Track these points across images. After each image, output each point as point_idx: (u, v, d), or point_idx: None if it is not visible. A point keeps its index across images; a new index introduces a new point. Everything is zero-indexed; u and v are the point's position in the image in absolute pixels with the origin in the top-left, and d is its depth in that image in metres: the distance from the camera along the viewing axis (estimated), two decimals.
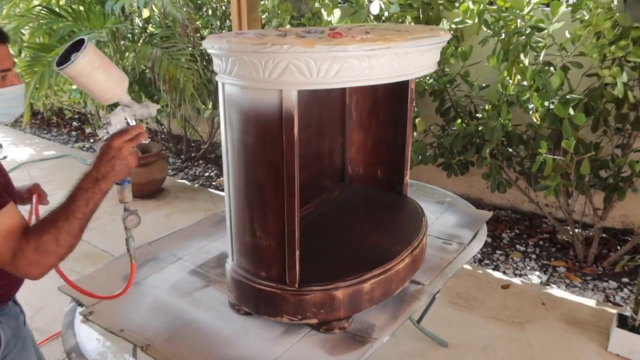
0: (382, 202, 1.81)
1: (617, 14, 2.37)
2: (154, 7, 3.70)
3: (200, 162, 4.93)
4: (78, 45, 1.06)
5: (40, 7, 3.62)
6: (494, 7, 2.79)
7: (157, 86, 4.32)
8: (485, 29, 2.82)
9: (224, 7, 4.22)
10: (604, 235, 3.22)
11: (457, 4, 3.28)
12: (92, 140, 5.69)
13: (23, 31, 3.95)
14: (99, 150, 1.13)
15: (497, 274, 2.90)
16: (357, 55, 1.12)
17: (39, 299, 2.63)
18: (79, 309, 1.43)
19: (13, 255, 1.06)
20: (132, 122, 1.16)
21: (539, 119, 2.61)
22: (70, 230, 1.10)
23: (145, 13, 3.98)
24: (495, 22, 2.77)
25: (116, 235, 3.43)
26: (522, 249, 3.20)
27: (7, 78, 1.16)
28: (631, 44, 2.34)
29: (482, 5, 2.79)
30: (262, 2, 3.55)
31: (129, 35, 3.92)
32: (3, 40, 1.13)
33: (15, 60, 4.37)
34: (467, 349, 2.28)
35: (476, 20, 2.83)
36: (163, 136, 5.21)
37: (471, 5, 2.89)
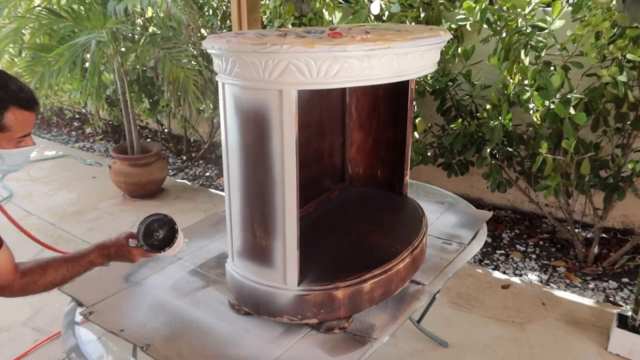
0: (382, 202, 1.81)
1: (616, 14, 2.37)
2: (157, 9, 3.71)
3: (200, 162, 4.94)
4: (161, 224, 1.37)
5: (40, 8, 3.62)
6: (496, 6, 2.79)
7: (157, 86, 4.33)
8: (486, 26, 2.82)
9: (224, 7, 4.22)
10: (604, 235, 3.22)
11: (457, 4, 3.28)
12: (92, 140, 5.69)
13: (24, 31, 3.95)
14: (121, 249, 1.36)
15: (497, 274, 2.90)
16: (357, 55, 1.12)
17: (39, 299, 2.62)
18: (79, 309, 1.43)
19: None
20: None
21: (539, 118, 2.61)
22: (61, 284, 1.32)
23: (149, 13, 3.98)
24: (497, 21, 2.77)
25: None
26: (522, 249, 3.20)
27: (24, 141, 1.21)
28: (630, 43, 2.34)
29: (483, 4, 2.79)
30: (262, 3, 3.55)
31: (130, 36, 3.92)
32: (34, 108, 1.19)
33: (16, 60, 4.39)
34: (467, 349, 2.28)
35: (478, 17, 2.82)
36: (163, 136, 5.22)
37: (473, 3, 2.88)
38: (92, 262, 1.34)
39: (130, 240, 1.38)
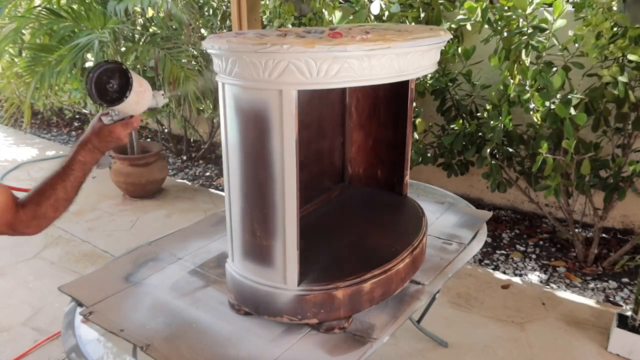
0: (382, 202, 1.81)
1: (617, 14, 2.37)
2: (158, 9, 3.71)
3: (200, 162, 4.94)
4: (111, 73, 1.19)
5: (40, 8, 3.62)
6: (497, 5, 2.78)
7: (157, 86, 4.32)
8: (487, 26, 2.82)
9: (224, 7, 4.22)
10: (604, 235, 3.22)
11: (457, 4, 3.28)
12: None
13: (24, 31, 3.95)
14: (101, 133, 1.28)
15: (497, 274, 2.90)
16: (357, 55, 1.12)
17: (39, 299, 2.63)
18: (79, 309, 1.43)
19: (10, 226, 1.20)
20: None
21: (539, 118, 2.61)
22: (68, 197, 1.27)
23: (150, 13, 3.98)
24: (498, 21, 2.77)
25: (116, 235, 3.43)
26: (522, 249, 3.20)
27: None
28: (632, 43, 2.34)
29: (484, 4, 2.79)
30: (262, 3, 3.55)
31: (130, 35, 3.92)
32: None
33: (16, 60, 4.39)
34: (467, 349, 2.28)
35: (479, 18, 2.82)
36: (163, 136, 5.21)
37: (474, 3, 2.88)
38: (83, 162, 1.28)
39: (103, 118, 1.29)
